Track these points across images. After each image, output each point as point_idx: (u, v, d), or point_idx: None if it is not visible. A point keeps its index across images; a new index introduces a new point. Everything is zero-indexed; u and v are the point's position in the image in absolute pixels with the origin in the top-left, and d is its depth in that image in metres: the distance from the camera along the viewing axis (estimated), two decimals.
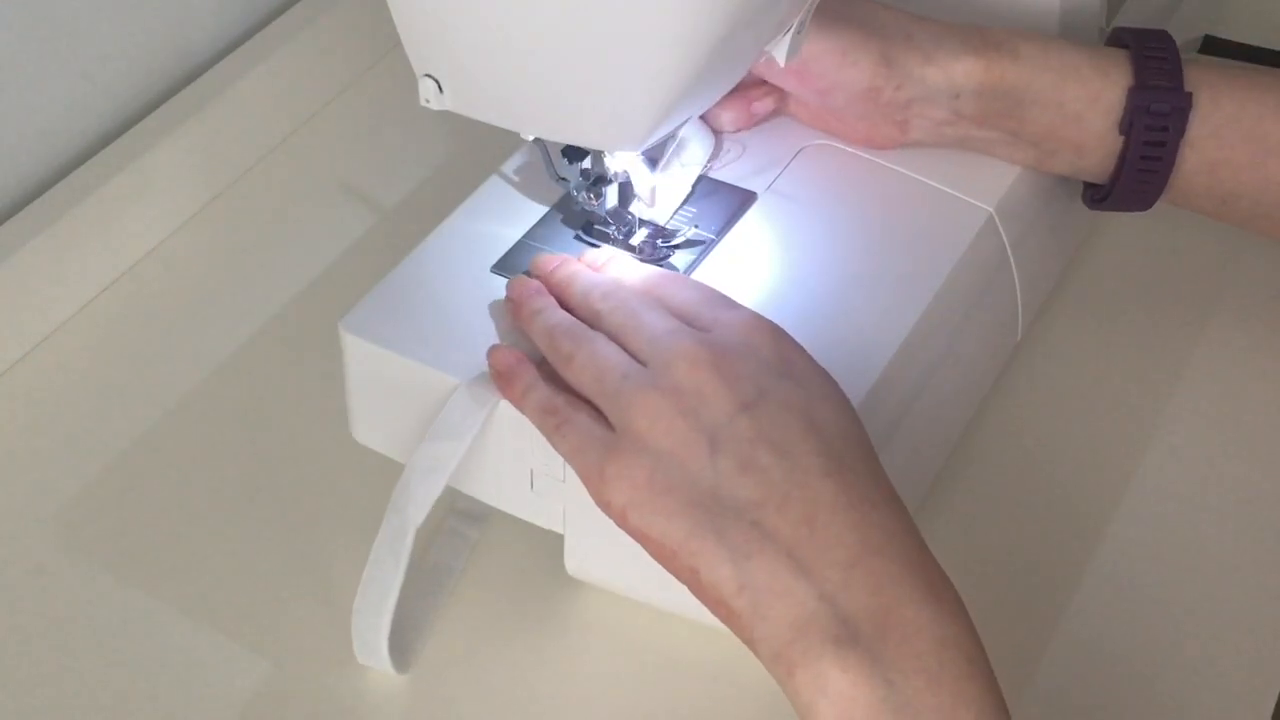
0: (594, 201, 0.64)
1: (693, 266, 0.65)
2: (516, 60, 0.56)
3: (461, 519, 0.68)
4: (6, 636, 0.65)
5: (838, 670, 0.48)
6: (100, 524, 0.69)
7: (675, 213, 0.66)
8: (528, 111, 0.59)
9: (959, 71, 0.66)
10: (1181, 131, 0.66)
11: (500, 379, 0.59)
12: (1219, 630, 0.65)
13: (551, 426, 0.56)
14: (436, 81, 0.59)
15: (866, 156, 0.70)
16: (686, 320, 0.57)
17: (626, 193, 0.64)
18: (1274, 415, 0.73)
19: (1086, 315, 0.77)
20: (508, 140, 0.64)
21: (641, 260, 0.64)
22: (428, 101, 0.59)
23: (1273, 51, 0.89)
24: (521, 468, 0.60)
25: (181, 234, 0.83)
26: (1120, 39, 0.69)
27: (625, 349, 0.56)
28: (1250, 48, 0.89)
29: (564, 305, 0.60)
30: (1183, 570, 0.67)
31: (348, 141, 0.89)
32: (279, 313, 0.79)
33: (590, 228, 0.66)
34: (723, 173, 0.69)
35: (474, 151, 0.73)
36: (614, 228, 0.65)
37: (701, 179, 0.68)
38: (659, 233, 0.65)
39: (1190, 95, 0.66)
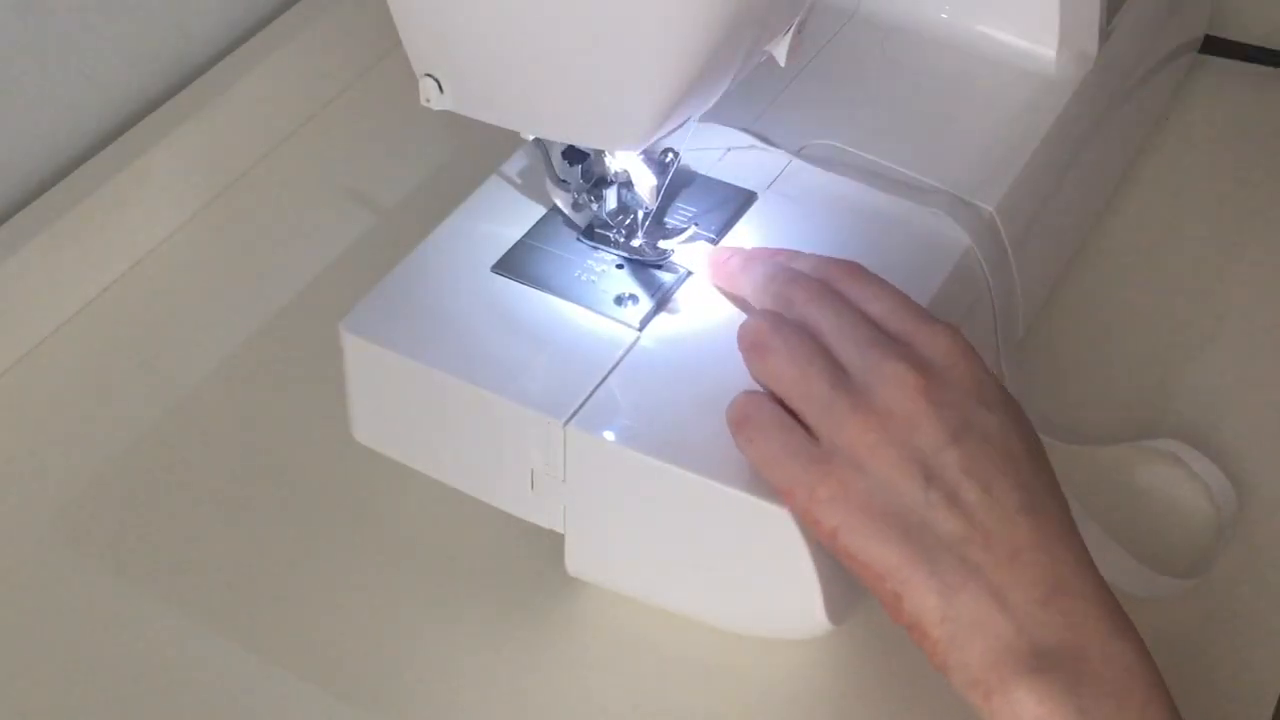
0: (594, 204, 0.64)
1: None
2: (516, 60, 0.56)
3: None
4: (6, 636, 0.65)
5: (1034, 699, 0.50)
6: (100, 524, 0.69)
7: (658, 196, 0.66)
8: (528, 111, 0.59)
9: None
10: None
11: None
12: (1219, 630, 0.65)
13: (744, 438, 0.56)
14: (436, 81, 0.59)
15: (867, 156, 0.70)
16: (880, 324, 0.57)
17: (627, 193, 0.64)
18: (1275, 416, 0.73)
19: (1087, 315, 0.77)
20: (508, 140, 0.64)
21: (642, 259, 0.64)
22: (428, 101, 0.59)
23: (1273, 51, 0.89)
24: (522, 468, 0.60)
25: (181, 234, 0.83)
26: None
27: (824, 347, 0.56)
28: (1250, 47, 0.89)
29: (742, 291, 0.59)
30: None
31: (348, 141, 0.89)
32: (279, 313, 0.79)
33: (590, 230, 0.66)
34: (723, 173, 0.69)
35: (474, 151, 0.72)
36: (615, 229, 0.65)
37: (677, 157, 0.66)
38: (660, 232, 0.65)
39: None
